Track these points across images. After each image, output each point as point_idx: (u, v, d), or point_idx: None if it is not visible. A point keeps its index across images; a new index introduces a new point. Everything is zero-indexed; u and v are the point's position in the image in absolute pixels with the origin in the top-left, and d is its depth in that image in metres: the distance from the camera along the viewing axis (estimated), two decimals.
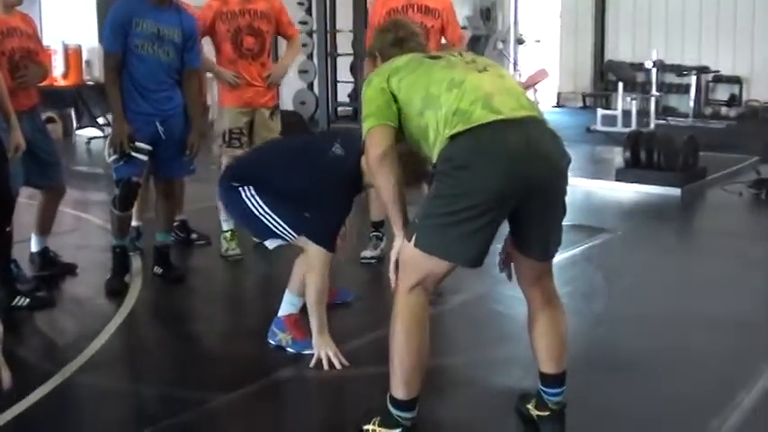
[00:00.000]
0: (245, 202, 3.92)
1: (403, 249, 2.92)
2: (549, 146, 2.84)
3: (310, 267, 3.84)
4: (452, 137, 2.76)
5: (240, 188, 3.93)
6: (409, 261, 2.88)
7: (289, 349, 4.00)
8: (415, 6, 5.31)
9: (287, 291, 4.10)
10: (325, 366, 3.81)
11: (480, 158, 2.72)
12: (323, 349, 3.84)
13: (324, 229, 3.83)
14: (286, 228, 3.90)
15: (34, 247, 5.22)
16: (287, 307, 4.08)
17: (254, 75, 5.62)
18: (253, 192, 3.91)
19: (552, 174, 2.84)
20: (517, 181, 2.73)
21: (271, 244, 4.08)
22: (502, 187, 2.71)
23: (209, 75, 6.11)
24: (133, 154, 4.79)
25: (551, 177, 2.84)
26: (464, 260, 2.83)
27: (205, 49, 5.72)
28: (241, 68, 5.59)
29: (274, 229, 3.92)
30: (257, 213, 3.91)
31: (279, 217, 3.89)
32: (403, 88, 2.93)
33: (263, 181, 3.94)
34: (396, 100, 2.93)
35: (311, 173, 3.81)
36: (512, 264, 3.11)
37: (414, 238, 2.83)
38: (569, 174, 2.94)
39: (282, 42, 6.20)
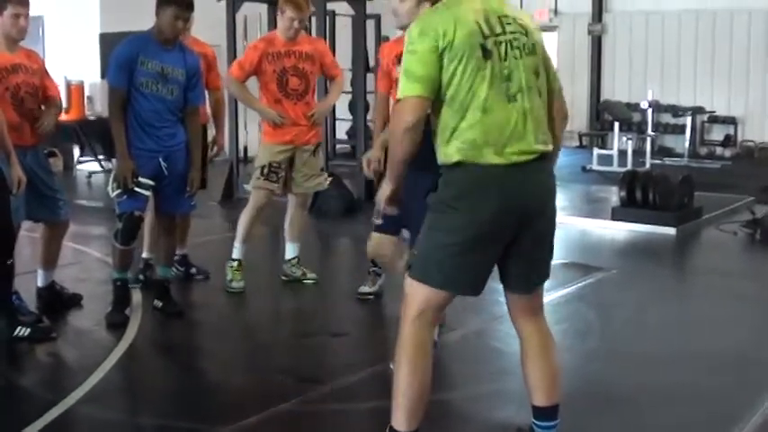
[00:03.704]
0: None
1: (405, 281, 3.02)
2: (542, 186, 3.01)
3: None
4: (457, 164, 2.89)
5: None
6: (410, 291, 2.99)
7: None
8: None
9: None
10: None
11: (477, 192, 2.87)
12: None
13: None
14: None
15: (41, 282, 5.24)
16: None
17: (299, 114, 5.67)
18: None
19: (544, 211, 3.00)
20: (509, 215, 2.89)
21: None
22: (495, 220, 2.87)
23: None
24: (136, 189, 4.86)
25: (542, 214, 2.99)
26: (460, 289, 2.98)
27: (249, 87, 5.80)
28: (286, 108, 5.64)
29: None
30: None
31: None
32: (448, 71, 2.88)
33: None
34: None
35: None
36: None
37: (411, 269, 2.96)
38: (563, 213, 3.04)
39: None
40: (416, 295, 2.97)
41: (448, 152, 2.91)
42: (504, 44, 2.93)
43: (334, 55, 10.38)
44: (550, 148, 3.02)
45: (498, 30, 2.93)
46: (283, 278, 5.94)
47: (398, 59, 5.29)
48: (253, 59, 5.60)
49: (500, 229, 2.90)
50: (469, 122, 2.88)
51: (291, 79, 5.62)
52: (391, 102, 5.46)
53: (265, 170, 5.66)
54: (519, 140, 2.92)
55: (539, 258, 3.08)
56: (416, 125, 2.84)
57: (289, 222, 5.94)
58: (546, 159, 3.01)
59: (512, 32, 2.96)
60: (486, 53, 2.89)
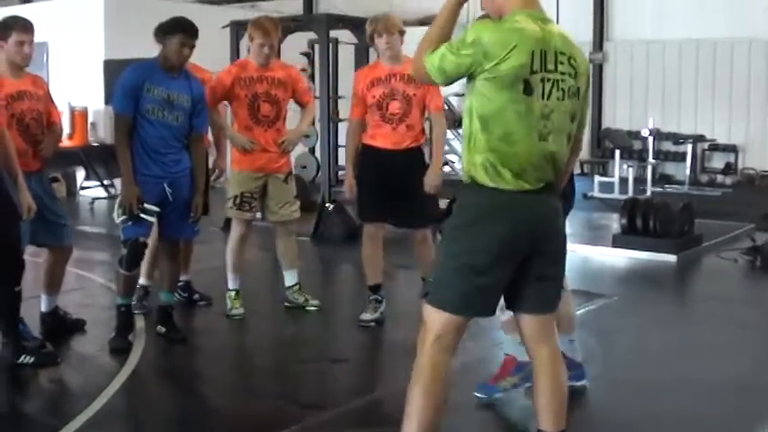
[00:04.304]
0: None
1: (423, 308, 3.08)
2: (551, 208, 3.09)
3: None
4: (475, 185, 2.98)
5: None
6: (428, 317, 3.06)
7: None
8: (398, 75, 5.38)
9: None
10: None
11: (488, 218, 2.96)
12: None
13: None
14: None
15: (44, 307, 5.26)
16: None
17: (270, 141, 5.68)
18: None
19: (553, 231, 3.09)
20: (520, 238, 2.97)
21: None
22: (506, 243, 2.95)
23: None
24: (141, 215, 4.89)
25: (552, 234, 3.08)
26: (475, 312, 3.06)
27: (222, 112, 5.83)
28: (257, 134, 5.64)
29: None
30: None
31: None
32: (483, 93, 2.94)
33: None
34: (474, 72, 2.94)
35: None
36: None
37: (428, 295, 3.05)
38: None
39: None
40: (434, 321, 3.03)
41: (474, 161, 2.98)
42: (551, 82, 2.94)
43: (336, 82, 10.55)
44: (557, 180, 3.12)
45: (550, 67, 2.94)
46: (286, 305, 5.96)
47: (373, 84, 5.38)
48: (225, 83, 5.61)
49: (511, 252, 2.98)
50: (494, 147, 2.94)
51: (263, 105, 5.63)
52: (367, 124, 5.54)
53: (237, 200, 5.68)
54: (539, 169, 2.99)
55: (553, 277, 3.13)
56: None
57: (281, 252, 5.94)
58: (553, 186, 3.09)
59: (561, 73, 2.97)
60: (528, 89, 2.91)
